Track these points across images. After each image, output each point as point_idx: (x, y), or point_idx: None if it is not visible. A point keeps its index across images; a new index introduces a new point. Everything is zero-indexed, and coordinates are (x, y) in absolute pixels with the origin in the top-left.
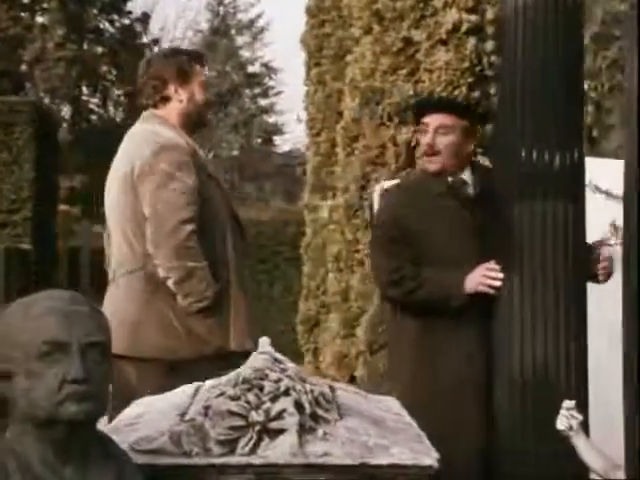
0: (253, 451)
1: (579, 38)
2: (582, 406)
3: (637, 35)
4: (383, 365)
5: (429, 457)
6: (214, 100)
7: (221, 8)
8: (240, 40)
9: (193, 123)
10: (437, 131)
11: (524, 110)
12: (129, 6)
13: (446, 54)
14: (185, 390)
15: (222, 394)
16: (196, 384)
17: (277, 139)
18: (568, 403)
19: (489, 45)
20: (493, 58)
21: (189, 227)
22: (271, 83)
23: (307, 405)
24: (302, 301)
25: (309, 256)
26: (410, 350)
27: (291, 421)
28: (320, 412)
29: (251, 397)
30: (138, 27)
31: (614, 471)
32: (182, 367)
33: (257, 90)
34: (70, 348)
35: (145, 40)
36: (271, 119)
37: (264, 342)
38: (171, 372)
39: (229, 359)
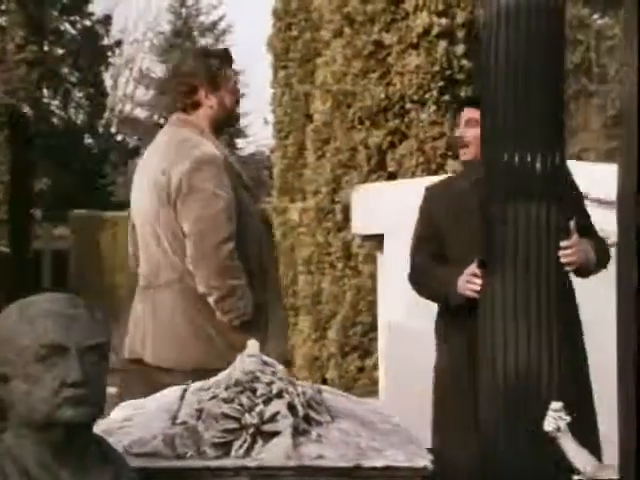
0: (247, 454)
1: (561, 41)
2: (568, 408)
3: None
4: (355, 367)
5: (423, 459)
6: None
7: (183, 10)
8: (203, 42)
9: (221, 128)
10: (467, 124)
11: (506, 113)
12: (90, 8)
13: (417, 57)
14: (173, 392)
15: (215, 397)
16: (183, 386)
17: (240, 141)
18: (555, 404)
19: (459, 49)
20: (464, 62)
21: (230, 245)
22: None
23: (300, 407)
24: None
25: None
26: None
27: (285, 423)
28: (312, 414)
29: (244, 399)
30: (100, 29)
31: (601, 472)
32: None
33: None
34: (68, 351)
35: (107, 42)
36: None
37: (252, 345)
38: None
39: None
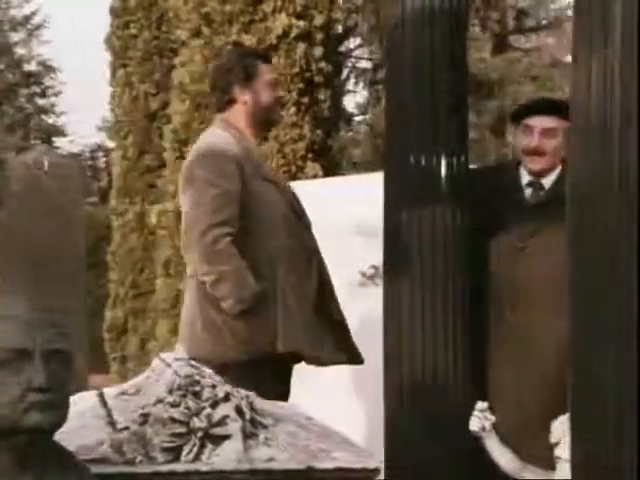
0: (197, 457)
1: (463, 44)
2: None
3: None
4: None
5: (374, 460)
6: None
7: None
8: (15, 37)
9: (261, 123)
10: (544, 134)
11: (411, 117)
12: None
13: (276, 59)
14: (85, 398)
15: (161, 401)
16: (95, 392)
17: (61, 140)
18: (481, 405)
19: (318, 51)
20: (322, 64)
21: (219, 230)
22: (50, 82)
23: (247, 411)
24: (109, 308)
25: (117, 262)
26: None
27: (234, 427)
28: (258, 417)
29: (191, 403)
30: None
31: (524, 471)
32: (231, 370)
33: (35, 89)
34: (33, 356)
35: None
36: (50, 119)
37: (179, 348)
38: (227, 375)
39: (280, 362)
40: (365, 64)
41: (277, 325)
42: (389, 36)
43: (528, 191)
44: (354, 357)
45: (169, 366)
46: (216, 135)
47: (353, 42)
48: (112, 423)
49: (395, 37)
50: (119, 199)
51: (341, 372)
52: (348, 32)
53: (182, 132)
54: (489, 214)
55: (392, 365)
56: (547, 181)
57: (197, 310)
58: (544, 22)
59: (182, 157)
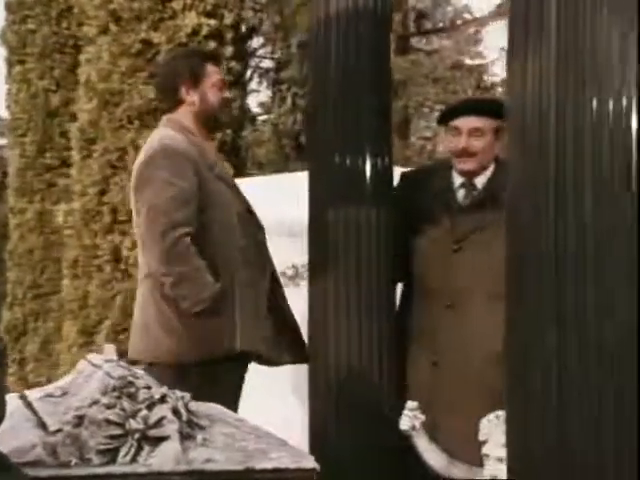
0: (134, 459)
1: (387, 46)
2: (396, 409)
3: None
4: None
5: (310, 461)
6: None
7: None
8: None
9: (209, 123)
10: (471, 134)
11: (336, 116)
12: None
13: None
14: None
15: (96, 402)
16: (16, 394)
17: None
18: (411, 404)
19: (228, 50)
20: (232, 63)
21: (178, 231)
22: None
23: (183, 412)
24: (6, 309)
25: (15, 262)
26: None
27: (171, 428)
28: (194, 419)
29: (126, 405)
30: None
31: (452, 469)
32: (195, 371)
33: None
34: None
35: None
36: None
37: (110, 349)
38: (180, 375)
39: (238, 360)
40: (269, 63)
41: (235, 324)
42: (313, 36)
43: (461, 192)
44: (306, 357)
45: (98, 367)
46: (168, 136)
47: (257, 41)
48: (43, 425)
49: (319, 37)
50: (17, 198)
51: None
52: (251, 31)
53: (89, 130)
54: (423, 216)
55: (317, 364)
56: (479, 181)
57: (153, 312)
58: (441, 24)
59: (89, 156)
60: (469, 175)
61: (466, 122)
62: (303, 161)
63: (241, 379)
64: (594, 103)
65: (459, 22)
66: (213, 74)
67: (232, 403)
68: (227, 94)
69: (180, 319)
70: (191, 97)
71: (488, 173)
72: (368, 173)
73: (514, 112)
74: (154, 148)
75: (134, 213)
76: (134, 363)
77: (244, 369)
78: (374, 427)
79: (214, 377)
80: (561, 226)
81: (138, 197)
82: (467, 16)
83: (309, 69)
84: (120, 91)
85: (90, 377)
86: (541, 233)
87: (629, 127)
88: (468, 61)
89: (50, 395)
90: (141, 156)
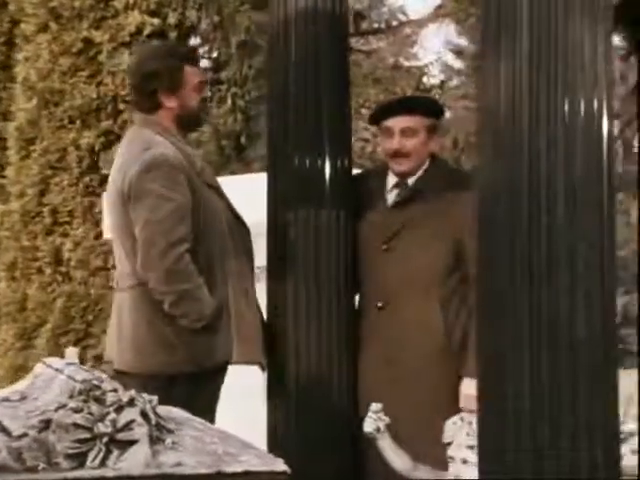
0: (103, 463)
1: (345, 46)
2: (354, 414)
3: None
4: None
5: (280, 464)
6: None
7: None
8: None
9: (188, 125)
10: (403, 134)
11: (296, 118)
12: None
13: (129, 57)
14: None
15: (63, 406)
16: None
17: None
18: (375, 406)
19: None
20: None
21: (179, 249)
22: None
23: (152, 415)
24: None
25: None
26: None
27: (141, 431)
28: (162, 422)
29: (94, 408)
30: None
31: (416, 471)
32: (182, 381)
33: None
34: None
35: None
36: None
37: (72, 353)
38: (171, 386)
39: (225, 372)
40: (206, 63)
41: (231, 337)
42: (272, 36)
43: (393, 193)
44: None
45: (59, 371)
46: (155, 142)
47: (194, 41)
48: (4, 430)
49: (278, 37)
50: None
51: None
52: (189, 30)
53: (28, 130)
54: (359, 219)
55: (276, 365)
56: (412, 180)
57: (145, 326)
58: (375, 25)
59: (28, 156)
60: (404, 176)
61: (397, 122)
62: (244, 162)
63: (220, 386)
64: (566, 106)
65: (395, 23)
66: (192, 77)
67: (211, 410)
68: (206, 93)
69: (176, 335)
70: (170, 102)
71: (420, 171)
72: (327, 174)
73: (486, 114)
74: (145, 160)
75: (117, 222)
76: (123, 374)
77: (224, 375)
78: (332, 431)
79: (199, 386)
80: (534, 230)
81: (132, 211)
82: (402, 17)
83: (268, 70)
84: (61, 90)
85: (51, 381)
86: (514, 237)
87: (600, 129)
88: (406, 63)
89: (6, 399)
90: (130, 167)
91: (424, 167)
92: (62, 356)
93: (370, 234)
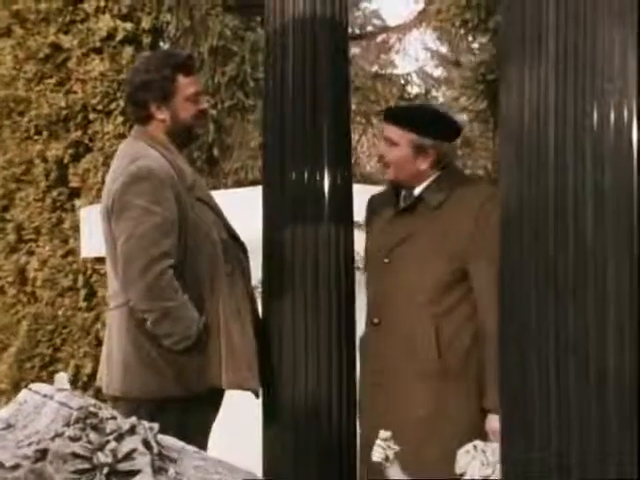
0: None
1: (344, 53)
2: (352, 439)
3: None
4: None
5: None
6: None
7: None
8: None
9: (182, 139)
10: (386, 142)
11: (294, 129)
12: None
13: (101, 63)
14: None
15: (60, 435)
16: None
17: None
18: (384, 434)
19: None
20: None
21: (162, 264)
22: None
23: (154, 444)
24: None
25: None
26: None
27: (143, 461)
28: (164, 451)
29: (93, 437)
30: None
31: None
32: (171, 407)
33: None
34: None
35: None
36: None
37: (62, 378)
38: (159, 412)
39: (218, 395)
40: None
41: (221, 360)
42: (269, 42)
43: (401, 204)
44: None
45: (48, 397)
46: (144, 155)
47: (162, 45)
48: None
49: (275, 44)
50: None
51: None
52: (157, 35)
53: None
54: (369, 229)
55: (272, 395)
56: (418, 190)
57: (131, 348)
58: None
59: None
60: (397, 184)
61: (385, 128)
62: (216, 177)
63: (215, 413)
64: (595, 116)
65: (370, 29)
66: (186, 87)
67: (203, 439)
68: (204, 105)
69: (163, 356)
70: (161, 114)
71: (428, 181)
72: (327, 189)
73: (509, 126)
74: (131, 172)
75: (107, 240)
76: (112, 399)
77: (220, 403)
78: (333, 464)
79: (189, 412)
80: (561, 245)
81: (114, 225)
82: (377, 22)
83: (265, 80)
84: (26, 99)
85: (40, 408)
86: (539, 252)
87: (631, 140)
88: (389, 70)
89: None
90: (116, 180)
91: (433, 176)
92: (32, 382)
93: (375, 246)
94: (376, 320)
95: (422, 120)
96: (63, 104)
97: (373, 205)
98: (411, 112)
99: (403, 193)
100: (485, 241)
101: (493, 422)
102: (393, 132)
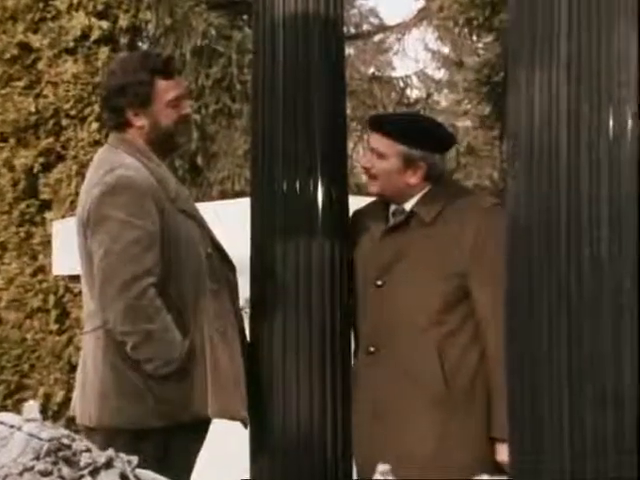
0: None
1: (340, 53)
2: (349, 471)
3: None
4: None
5: None
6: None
7: None
8: None
9: (163, 147)
10: (372, 153)
11: (285, 139)
12: None
13: (74, 65)
14: None
15: (29, 469)
16: None
17: None
18: (382, 467)
19: None
20: None
21: (143, 282)
22: None
23: (132, 478)
24: None
25: None
26: None
27: None
28: None
29: (66, 471)
30: None
31: None
32: (153, 436)
33: None
34: None
35: None
36: None
37: (31, 407)
38: (140, 442)
39: (205, 424)
40: None
41: (207, 387)
42: (257, 42)
43: (391, 220)
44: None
45: (15, 428)
46: (123, 164)
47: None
48: None
49: (264, 43)
50: None
51: None
52: (135, 34)
53: None
54: (355, 249)
55: (260, 423)
56: (409, 204)
57: (109, 375)
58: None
59: None
60: (383, 198)
61: (372, 139)
62: (199, 187)
63: (200, 444)
64: (611, 122)
65: (367, 28)
66: (166, 91)
67: (186, 473)
68: (186, 110)
69: (143, 383)
70: (139, 120)
71: (420, 195)
72: (320, 199)
73: (518, 133)
74: (108, 182)
75: (81, 256)
76: (86, 430)
77: (205, 433)
78: None
79: (172, 444)
80: (574, 259)
81: (90, 240)
82: (374, 21)
83: (252, 82)
84: None
85: (6, 440)
86: (551, 272)
87: None
88: (386, 72)
89: None
90: (92, 191)
91: (425, 190)
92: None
93: (364, 267)
94: (372, 349)
95: (412, 130)
96: (33, 109)
97: (358, 220)
98: (400, 121)
99: (393, 208)
100: (486, 256)
101: (504, 453)
102: (380, 143)
